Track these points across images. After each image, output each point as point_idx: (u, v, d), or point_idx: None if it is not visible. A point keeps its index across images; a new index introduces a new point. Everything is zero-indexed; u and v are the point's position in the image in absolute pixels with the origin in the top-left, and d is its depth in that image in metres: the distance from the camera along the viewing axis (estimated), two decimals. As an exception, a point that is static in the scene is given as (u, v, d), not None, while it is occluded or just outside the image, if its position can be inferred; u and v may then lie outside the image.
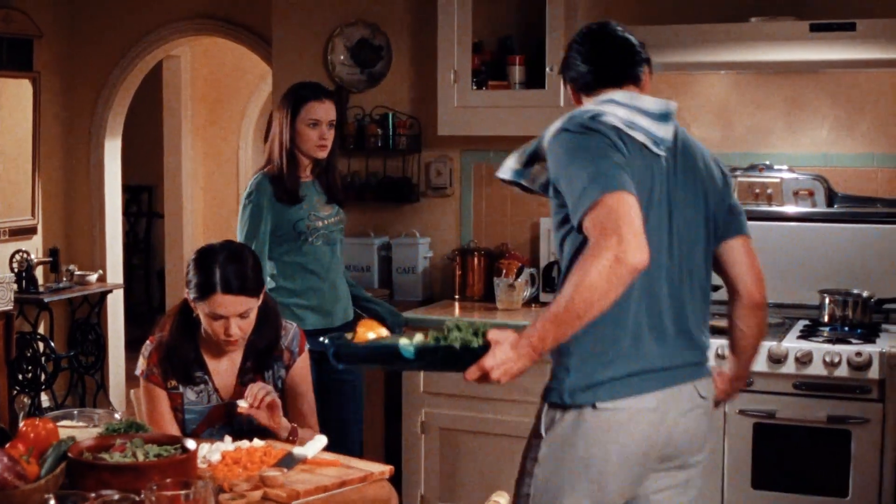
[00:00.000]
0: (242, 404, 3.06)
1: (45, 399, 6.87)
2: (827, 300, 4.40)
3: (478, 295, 5.02)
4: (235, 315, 3.09)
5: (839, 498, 4.03)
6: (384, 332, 2.57)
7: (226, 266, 3.11)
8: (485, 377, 2.34)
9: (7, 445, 2.50)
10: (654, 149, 2.57)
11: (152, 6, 6.92)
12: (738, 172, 4.70)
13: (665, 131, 2.61)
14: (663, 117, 2.62)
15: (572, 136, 2.51)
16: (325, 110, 4.11)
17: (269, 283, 4.05)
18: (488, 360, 2.33)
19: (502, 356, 2.34)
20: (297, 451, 2.87)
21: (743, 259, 2.79)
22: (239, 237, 4.05)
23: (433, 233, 5.27)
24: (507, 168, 2.73)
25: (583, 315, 2.31)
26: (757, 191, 4.66)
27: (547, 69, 4.60)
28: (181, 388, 3.18)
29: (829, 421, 4.03)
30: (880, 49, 4.21)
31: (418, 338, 2.45)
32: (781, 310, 4.59)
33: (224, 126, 9.06)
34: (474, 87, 4.84)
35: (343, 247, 4.32)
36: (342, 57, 5.37)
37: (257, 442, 2.97)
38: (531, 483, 2.60)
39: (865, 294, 4.38)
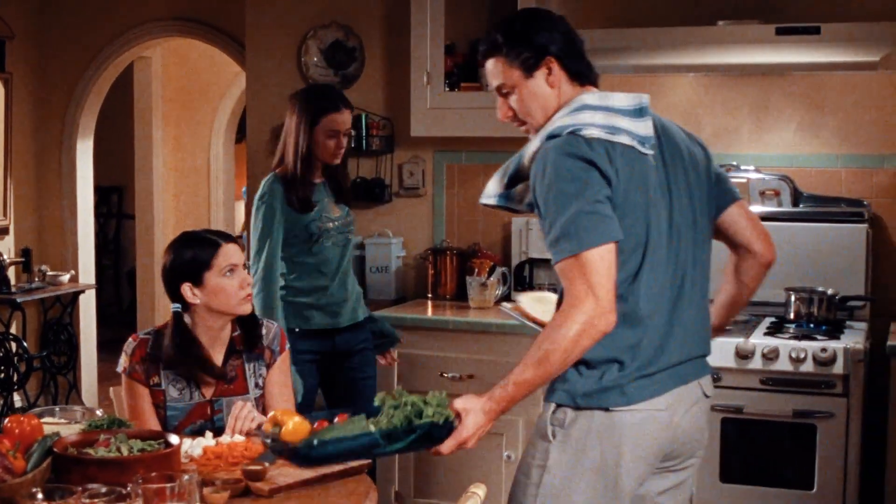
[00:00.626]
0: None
1: (17, 399, 6.87)
2: (793, 298, 4.47)
3: (450, 294, 5.08)
4: (240, 264, 3.22)
5: (805, 490, 4.11)
6: (298, 419, 2.47)
7: (204, 232, 3.28)
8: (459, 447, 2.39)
9: (-7, 441, 2.53)
10: (642, 149, 2.52)
11: (124, 8, 6.93)
12: (705, 173, 4.79)
13: (645, 128, 2.55)
14: (639, 112, 2.56)
15: (552, 164, 2.43)
16: (344, 120, 4.13)
17: (279, 282, 4.10)
18: (464, 432, 2.37)
19: (475, 424, 2.38)
20: (278, 445, 2.92)
21: (747, 222, 2.78)
22: (252, 238, 4.10)
23: (406, 232, 5.32)
24: (491, 194, 2.68)
25: (553, 375, 2.40)
26: (724, 191, 4.73)
27: (519, 71, 4.65)
28: (163, 385, 3.22)
29: (795, 415, 4.11)
30: (844, 52, 4.29)
31: (381, 420, 2.36)
32: (748, 307, 4.63)
33: (195, 127, 9.06)
34: (447, 89, 4.90)
35: (352, 247, 4.31)
36: (316, 59, 5.41)
37: (238, 437, 3.02)
38: (537, 493, 2.52)
39: (830, 292, 4.46)
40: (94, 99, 7.16)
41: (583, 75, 2.63)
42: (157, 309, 8.66)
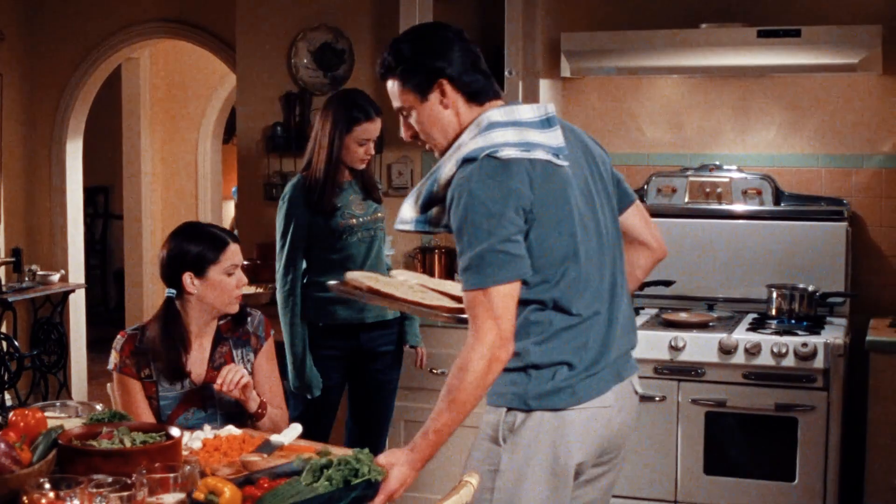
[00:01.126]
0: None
1: (7, 398, 6.90)
2: (774, 294, 4.55)
3: (439, 292, 5.13)
4: (240, 265, 3.32)
5: (786, 482, 4.20)
6: (232, 486, 2.38)
7: (211, 227, 3.38)
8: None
9: (-1, 433, 2.59)
10: (557, 161, 2.50)
11: (114, 9, 6.97)
12: (689, 172, 4.87)
13: (556, 138, 2.52)
14: (546, 123, 2.53)
15: (469, 194, 2.43)
16: (375, 129, 4.14)
17: (303, 278, 4.15)
18: (391, 485, 2.42)
19: (401, 477, 2.43)
20: (275, 438, 2.99)
21: (643, 222, 2.84)
22: (277, 236, 4.16)
23: (395, 232, 5.35)
24: (407, 220, 2.64)
25: (469, 412, 2.44)
26: (707, 190, 4.81)
27: (506, 73, 4.72)
28: (154, 377, 3.29)
29: (777, 409, 4.20)
30: (824, 54, 4.38)
31: (315, 481, 2.40)
32: (731, 304, 4.75)
33: (183, 127, 9.09)
34: (435, 90, 4.95)
35: (383, 243, 4.30)
36: (305, 60, 5.47)
37: (234, 430, 3.09)
38: (492, 499, 2.54)
39: (811, 288, 4.53)
40: (83, 100, 7.20)
41: (481, 93, 2.58)
42: (144, 309, 8.68)
